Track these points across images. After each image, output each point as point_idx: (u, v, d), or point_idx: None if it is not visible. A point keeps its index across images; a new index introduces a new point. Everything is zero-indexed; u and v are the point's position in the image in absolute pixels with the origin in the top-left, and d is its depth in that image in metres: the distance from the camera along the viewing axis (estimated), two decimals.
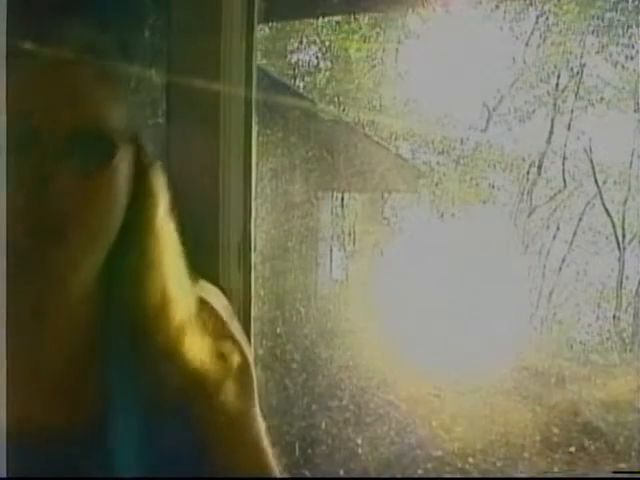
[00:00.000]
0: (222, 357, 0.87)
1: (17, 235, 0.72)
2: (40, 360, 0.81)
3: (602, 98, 8.74)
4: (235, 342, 0.92)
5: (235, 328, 0.94)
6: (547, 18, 8.73)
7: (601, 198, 8.69)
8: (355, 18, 7.64)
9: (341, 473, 4.82)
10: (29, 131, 0.71)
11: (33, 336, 0.79)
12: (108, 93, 0.78)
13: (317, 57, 8.48)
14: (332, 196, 8.24)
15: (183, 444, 0.84)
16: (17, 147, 0.71)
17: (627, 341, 7.77)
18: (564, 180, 9.19)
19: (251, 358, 0.95)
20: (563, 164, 9.18)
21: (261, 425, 0.95)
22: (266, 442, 0.94)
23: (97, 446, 0.79)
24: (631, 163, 8.61)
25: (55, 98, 0.72)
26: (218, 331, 0.89)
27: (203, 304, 0.90)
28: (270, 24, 6.22)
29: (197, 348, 0.85)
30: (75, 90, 0.74)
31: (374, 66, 8.63)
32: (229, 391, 0.88)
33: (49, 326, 0.80)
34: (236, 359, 0.90)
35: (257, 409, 0.95)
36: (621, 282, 8.32)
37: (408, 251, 8.06)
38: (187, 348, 0.84)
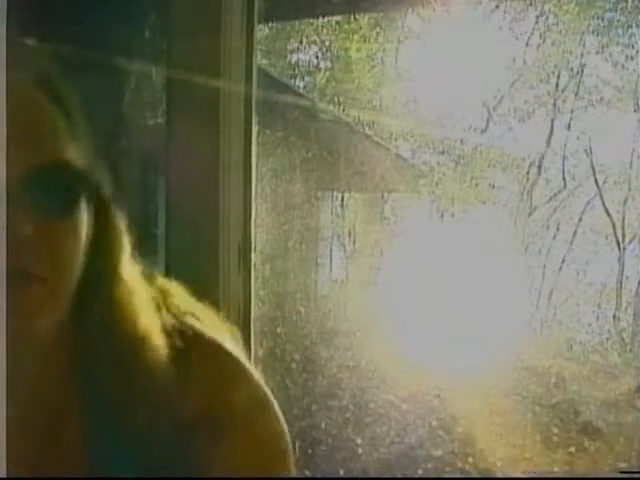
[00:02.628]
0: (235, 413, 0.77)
1: None
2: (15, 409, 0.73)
3: (602, 98, 8.75)
4: (266, 402, 0.80)
5: (256, 381, 0.81)
6: (547, 18, 8.73)
7: (601, 198, 8.69)
8: (355, 18, 7.64)
9: (341, 473, 4.82)
10: None
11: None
12: (68, 124, 0.70)
13: (317, 57, 8.48)
14: (332, 196, 8.24)
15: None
16: None
17: (627, 341, 7.77)
18: (564, 180, 9.19)
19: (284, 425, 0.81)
20: (563, 164, 9.18)
21: None
22: None
23: None
24: (631, 163, 8.61)
25: (12, 133, 0.64)
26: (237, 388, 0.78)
27: (212, 348, 0.80)
28: (270, 24, 6.22)
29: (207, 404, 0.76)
30: (33, 122, 0.66)
31: (374, 66, 8.63)
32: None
33: (21, 374, 0.73)
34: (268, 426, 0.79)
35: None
36: (621, 282, 8.32)
37: (408, 251, 8.06)
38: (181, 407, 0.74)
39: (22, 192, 0.64)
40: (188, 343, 0.78)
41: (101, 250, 0.74)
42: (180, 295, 0.83)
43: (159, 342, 0.76)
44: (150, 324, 0.77)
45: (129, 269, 0.78)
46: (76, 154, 0.69)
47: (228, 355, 0.81)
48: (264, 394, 0.81)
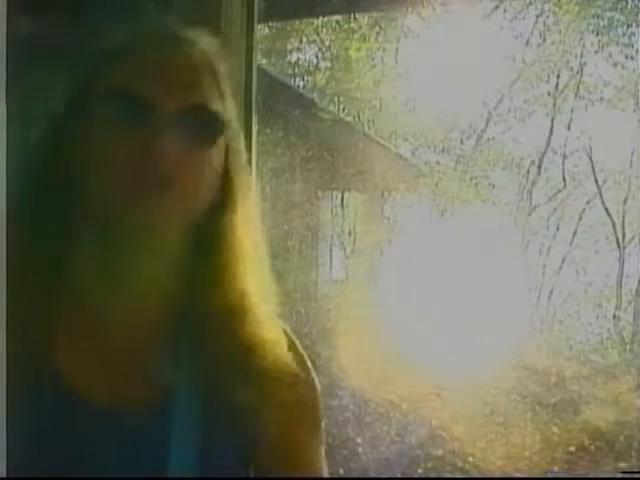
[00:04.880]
0: (293, 384, 0.84)
1: (114, 187, 0.76)
2: (114, 329, 0.82)
3: (602, 98, 8.76)
4: (306, 368, 0.89)
5: (306, 357, 0.91)
6: (547, 18, 8.74)
7: (601, 197, 8.69)
8: (355, 18, 7.65)
9: (341, 473, 4.82)
10: (144, 101, 0.77)
11: (115, 304, 0.81)
12: (217, 89, 0.84)
13: (317, 57, 8.49)
14: (332, 196, 8.24)
15: (230, 461, 0.82)
16: (130, 114, 0.77)
17: (627, 340, 7.77)
18: (564, 179, 9.19)
19: (320, 395, 0.91)
20: (563, 163, 9.19)
21: (321, 466, 0.90)
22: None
23: (148, 432, 0.78)
24: (631, 163, 8.62)
25: (170, 79, 0.79)
26: (294, 356, 0.86)
27: (280, 325, 0.89)
28: (270, 24, 6.23)
29: (270, 364, 0.83)
30: (189, 75, 0.81)
31: (374, 66, 8.64)
32: (293, 420, 0.85)
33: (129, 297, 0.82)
34: (307, 392, 0.88)
35: (321, 450, 0.90)
36: (621, 281, 8.33)
37: (408, 250, 8.06)
38: (260, 360, 0.82)
39: (174, 121, 0.77)
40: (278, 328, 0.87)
41: (227, 187, 0.84)
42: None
43: (264, 306, 0.86)
44: (262, 285, 0.87)
45: (249, 209, 0.88)
46: (220, 105, 0.83)
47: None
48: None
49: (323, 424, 0.91)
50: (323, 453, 0.90)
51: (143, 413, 0.79)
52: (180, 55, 0.82)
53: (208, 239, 0.83)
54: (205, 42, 0.86)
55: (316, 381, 0.91)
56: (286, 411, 0.84)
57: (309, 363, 0.91)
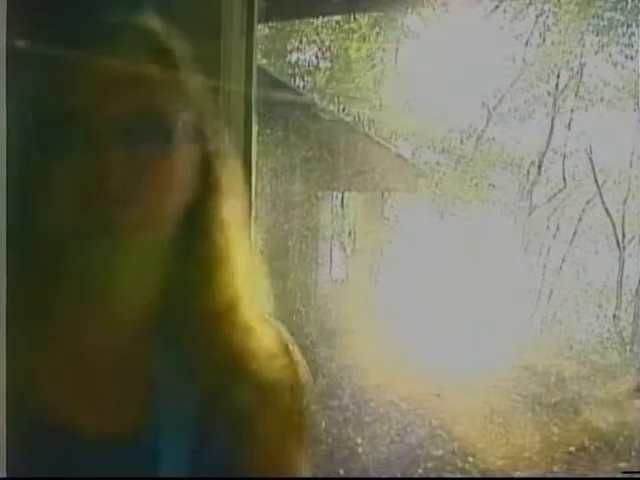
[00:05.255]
0: (280, 385, 0.81)
1: (69, 210, 0.72)
2: (95, 346, 0.78)
3: (602, 98, 8.75)
4: (294, 369, 0.86)
5: (297, 355, 0.88)
6: (547, 18, 8.74)
7: (601, 198, 8.69)
8: (355, 18, 7.64)
9: (341, 473, 4.82)
10: (89, 111, 0.71)
11: (92, 321, 0.78)
12: (172, 76, 0.78)
13: (317, 57, 8.48)
14: (332, 196, 8.24)
15: (215, 461, 0.79)
16: (76, 127, 0.71)
17: (627, 340, 7.77)
18: (564, 180, 9.19)
19: (309, 394, 0.88)
20: (563, 164, 9.19)
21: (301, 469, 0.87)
22: None
23: (134, 441, 0.76)
24: (631, 163, 8.62)
25: (112, 82, 0.72)
26: (280, 351, 0.84)
27: (270, 323, 0.85)
28: (270, 24, 6.23)
29: (255, 358, 0.80)
30: (133, 74, 0.74)
31: (374, 66, 8.64)
32: (278, 423, 0.82)
33: (103, 314, 0.78)
34: (290, 399, 0.83)
35: (302, 455, 0.87)
36: (621, 282, 8.32)
37: (408, 250, 8.07)
38: (246, 355, 0.80)
39: (123, 129, 0.72)
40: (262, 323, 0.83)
41: (199, 195, 0.79)
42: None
43: (250, 308, 0.82)
44: (246, 286, 0.82)
45: (231, 226, 0.82)
46: (179, 105, 0.77)
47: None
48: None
49: (308, 428, 0.89)
50: (304, 457, 0.88)
51: (132, 435, 0.76)
52: (121, 52, 0.74)
53: (189, 242, 0.79)
54: (148, 24, 0.80)
55: (305, 383, 0.87)
56: (268, 420, 0.81)
57: (301, 367, 0.87)
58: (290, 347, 0.87)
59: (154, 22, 0.81)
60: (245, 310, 0.81)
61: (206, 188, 0.80)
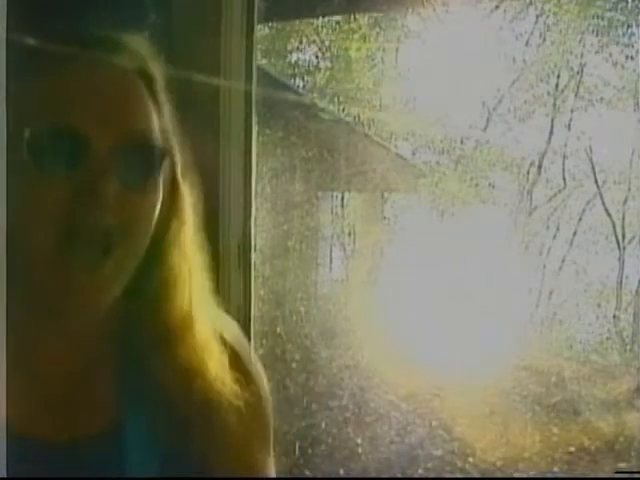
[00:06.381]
0: (237, 393, 0.82)
1: (49, 242, 0.70)
2: (53, 363, 0.79)
3: (602, 98, 8.75)
4: (252, 382, 0.86)
5: (253, 366, 0.89)
6: (547, 18, 8.73)
7: (601, 198, 8.69)
8: (355, 18, 7.64)
9: (341, 473, 4.82)
10: (74, 140, 0.69)
11: (52, 338, 0.78)
12: (154, 104, 0.77)
13: (317, 57, 8.48)
14: (332, 196, 8.24)
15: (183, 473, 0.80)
16: (59, 155, 0.69)
17: (627, 341, 7.77)
18: (564, 180, 9.19)
19: (269, 402, 0.90)
20: (563, 164, 9.18)
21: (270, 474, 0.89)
22: None
23: (99, 457, 0.77)
24: (631, 163, 8.61)
25: (102, 108, 0.70)
26: (235, 366, 0.84)
27: (221, 337, 0.87)
28: (270, 24, 6.23)
29: (212, 377, 0.81)
30: (123, 100, 0.73)
31: (374, 66, 8.63)
32: (240, 430, 0.83)
33: (67, 330, 0.79)
34: (252, 399, 0.84)
35: (270, 458, 0.89)
36: (621, 282, 8.32)
37: (408, 251, 8.06)
38: (203, 375, 0.81)
39: (111, 160, 0.70)
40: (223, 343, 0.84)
41: (167, 224, 0.79)
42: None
43: (205, 322, 0.82)
44: (202, 303, 0.83)
45: (192, 246, 0.82)
46: (160, 134, 0.76)
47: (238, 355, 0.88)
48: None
49: (272, 435, 0.90)
50: (271, 464, 0.89)
51: (94, 443, 0.77)
52: (111, 75, 0.73)
53: (149, 262, 0.78)
54: (136, 46, 0.78)
55: (263, 395, 0.89)
56: (231, 431, 0.82)
57: (257, 375, 0.89)
58: (246, 361, 0.88)
59: (139, 43, 0.80)
60: (198, 326, 0.82)
61: (171, 215, 0.79)
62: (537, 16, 8.80)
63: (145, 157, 0.73)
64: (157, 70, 0.79)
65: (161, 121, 0.77)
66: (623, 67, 8.36)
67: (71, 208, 0.69)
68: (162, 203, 0.77)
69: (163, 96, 0.79)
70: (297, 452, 4.69)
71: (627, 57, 8.19)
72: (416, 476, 4.89)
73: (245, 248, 1.37)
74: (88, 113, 0.70)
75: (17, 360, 0.75)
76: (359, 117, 8.15)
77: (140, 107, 0.74)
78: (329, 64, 8.49)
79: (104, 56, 0.73)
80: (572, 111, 8.97)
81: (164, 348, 0.80)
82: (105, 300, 0.75)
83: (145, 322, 0.80)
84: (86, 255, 0.71)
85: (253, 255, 1.39)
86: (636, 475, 4.42)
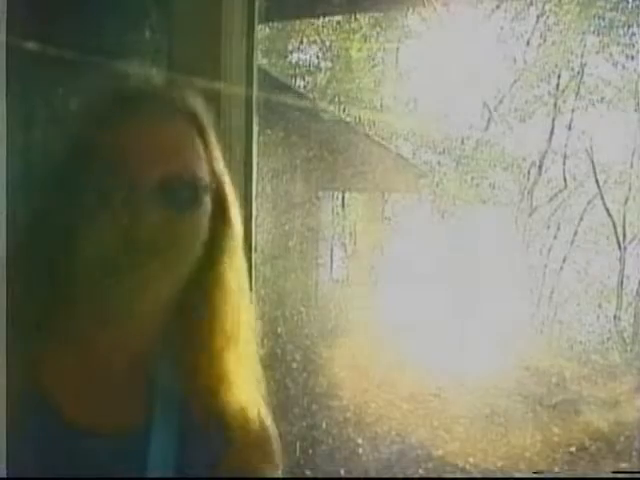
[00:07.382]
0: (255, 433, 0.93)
1: (109, 252, 0.80)
2: (104, 360, 0.87)
3: (603, 98, 8.75)
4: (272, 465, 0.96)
5: (276, 449, 0.98)
6: (548, 18, 8.73)
7: (602, 198, 8.68)
8: (356, 18, 7.64)
9: (341, 473, 4.82)
10: (123, 177, 0.80)
11: (97, 344, 0.87)
12: (204, 147, 0.87)
13: (317, 57, 8.48)
14: (333, 196, 8.24)
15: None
16: (109, 191, 0.80)
17: (628, 341, 7.77)
18: (565, 180, 9.18)
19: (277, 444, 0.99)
20: (564, 164, 9.18)
21: None
22: None
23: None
24: (632, 163, 8.61)
25: (149, 148, 0.82)
26: (259, 446, 0.94)
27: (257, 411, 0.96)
28: (270, 24, 6.22)
29: (236, 409, 0.90)
30: (168, 140, 0.84)
31: (375, 66, 8.63)
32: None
33: (119, 331, 0.87)
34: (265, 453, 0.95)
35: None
36: (622, 282, 8.32)
37: (408, 251, 8.06)
38: (227, 406, 0.89)
39: (160, 191, 0.81)
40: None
41: (212, 254, 0.88)
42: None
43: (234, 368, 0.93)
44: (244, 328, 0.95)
45: (233, 279, 0.91)
46: (206, 172, 0.86)
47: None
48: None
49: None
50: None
51: (123, 436, 0.84)
52: (163, 120, 0.84)
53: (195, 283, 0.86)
54: (190, 99, 0.89)
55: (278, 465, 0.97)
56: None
57: (277, 456, 0.97)
58: (269, 441, 0.97)
59: (194, 98, 0.91)
60: (237, 390, 0.91)
61: (216, 253, 0.89)
62: (538, 16, 8.80)
63: (188, 190, 0.83)
64: (207, 119, 0.89)
65: (210, 161, 0.87)
66: (624, 67, 8.37)
67: (122, 228, 0.80)
68: (210, 230, 0.87)
69: (213, 140, 0.89)
70: (297, 452, 4.69)
71: (628, 57, 8.20)
72: (416, 476, 4.90)
73: (245, 248, 1.37)
74: (141, 152, 0.81)
75: (74, 356, 0.85)
76: (360, 117, 8.15)
77: (186, 149, 0.85)
78: (330, 64, 8.50)
79: (163, 110, 0.85)
80: (573, 111, 8.97)
81: (192, 373, 0.88)
82: (150, 298, 0.83)
83: (182, 340, 0.89)
84: (133, 259, 0.80)
85: (253, 255, 1.39)
86: (636, 475, 4.43)
